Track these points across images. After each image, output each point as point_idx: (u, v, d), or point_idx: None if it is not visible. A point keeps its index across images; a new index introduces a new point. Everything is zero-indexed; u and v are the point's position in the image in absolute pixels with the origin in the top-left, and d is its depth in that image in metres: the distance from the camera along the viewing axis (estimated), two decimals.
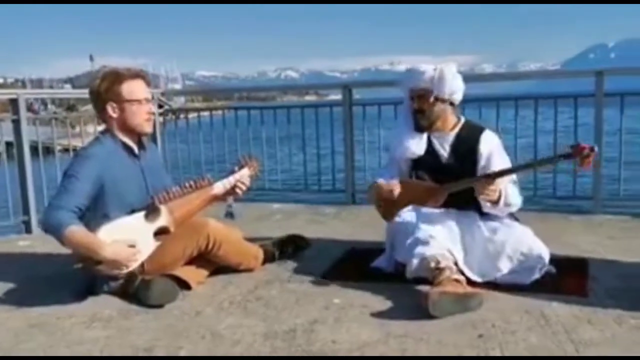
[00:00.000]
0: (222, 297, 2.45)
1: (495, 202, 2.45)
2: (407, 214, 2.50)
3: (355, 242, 3.19)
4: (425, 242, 2.34)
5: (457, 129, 2.66)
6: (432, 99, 2.58)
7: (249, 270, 2.73)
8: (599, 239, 3.12)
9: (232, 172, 2.68)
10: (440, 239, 2.37)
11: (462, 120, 2.70)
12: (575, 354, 1.79)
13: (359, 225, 3.63)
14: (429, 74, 2.57)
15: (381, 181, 2.66)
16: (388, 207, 2.66)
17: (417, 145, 2.64)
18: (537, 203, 4.02)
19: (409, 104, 2.66)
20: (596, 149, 2.26)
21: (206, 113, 5.15)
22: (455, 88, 2.60)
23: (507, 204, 2.48)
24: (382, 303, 2.28)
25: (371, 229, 3.08)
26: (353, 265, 2.79)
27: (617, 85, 3.94)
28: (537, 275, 2.38)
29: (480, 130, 2.65)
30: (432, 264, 2.28)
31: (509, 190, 2.48)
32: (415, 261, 2.33)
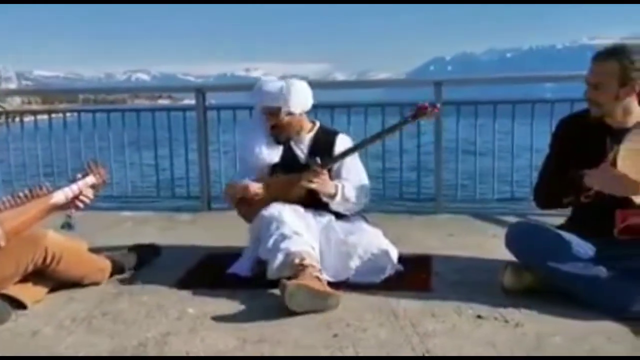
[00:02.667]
0: (63, 314, 2.24)
1: (333, 197, 2.57)
2: (272, 209, 2.49)
3: (211, 249, 3.11)
4: (290, 238, 2.36)
5: (313, 132, 2.76)
6: (282, 115, 2.65)
7: (94, 284, 2.54)
8: (441, 237, 3.36)
9: (75, 179, 2.47)
10: (305, 235, 2.40)
11: (317, 124, 2.81)
12: (421, 345, 1.91)
13: (215, 232, 3.55)
14: (277, 93, 2.62)
15: (234, 181, 2.65)
16: (247, 206, 2.66)
17: (271, 154, 2.69)
18: (386, 204, 4.24)
19: (264, 118, 2.70)
20: (439, 105, 2.51)
21: (45, 116, 4.74)
22: (304, 102, 2.69)
23: (345, 199, 2.60)
24: (238, 309, 2.25)
25: (228, 235, 3.04)
26: (209, 273, 2.72)
27: (454, 95, 4.28)
28: (387, 274, 2.50)
29: (335, 133, 2.79)
30: (297, 260, 2.29)
31: (350, 188, 2.61)
32: (280, 256, 2.33)
